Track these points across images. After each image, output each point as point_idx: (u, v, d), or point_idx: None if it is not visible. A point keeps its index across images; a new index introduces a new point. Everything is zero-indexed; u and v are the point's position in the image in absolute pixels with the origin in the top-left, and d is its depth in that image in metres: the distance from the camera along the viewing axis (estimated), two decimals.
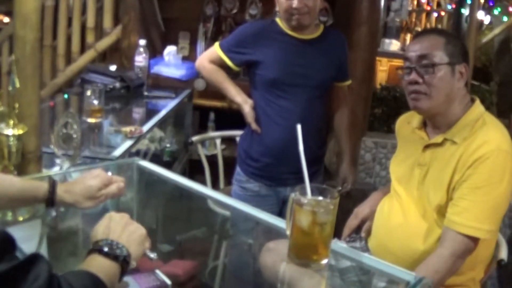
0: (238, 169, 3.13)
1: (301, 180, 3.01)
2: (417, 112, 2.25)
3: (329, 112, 3.19)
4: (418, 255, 2.11)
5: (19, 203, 1.74)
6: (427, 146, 2.21)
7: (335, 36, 3.07)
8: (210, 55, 3.05)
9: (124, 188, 1.82)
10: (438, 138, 2.16)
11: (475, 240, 2.02)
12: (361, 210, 2.46)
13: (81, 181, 1.77)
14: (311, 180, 3.02)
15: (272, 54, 2.89)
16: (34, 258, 1.10)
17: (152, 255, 1.52)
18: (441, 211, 2.09)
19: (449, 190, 2.07)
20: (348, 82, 3.18)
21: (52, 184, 1.69)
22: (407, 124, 2.38)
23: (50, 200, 1.68)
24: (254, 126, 2.95)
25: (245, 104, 2.96)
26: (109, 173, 1.85)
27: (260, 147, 2.98)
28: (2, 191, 1.62)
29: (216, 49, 3.02)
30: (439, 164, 2.13)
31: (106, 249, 1.34)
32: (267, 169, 2.99)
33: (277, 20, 2.98)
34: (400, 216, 2.22)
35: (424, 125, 2.30)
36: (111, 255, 1.34)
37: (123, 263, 1.35)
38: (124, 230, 1.43)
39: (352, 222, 2.44)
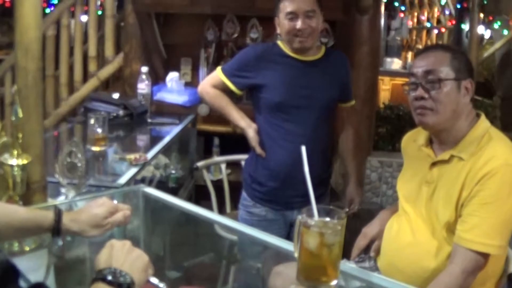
0: (244, 194, 3.09)
1: (308, 203, 3.00)
2: (423, 128, 2.24)
3: (334, 133, 3.18)
4: (429, 273, 2.08)
5: (24, 233, 1.73)
6: (434, 164, 2.19)
7: (337, 57, 3.06)
8: (213, 80, 3.04)
9: (130, 216, 1.81)
10: (445, 155, 2.15)
11: (485, 256, 2.00)
12: (369, 230, 2.44)
13: (87, 209, 1.76)
14: (317, 203, 3.03)
15: (275, 77, 2.88)
16: (39, 287, 1.09)
17: (161, 285, 1.50)
18: (450, 228, 2.07)
19: (457, 207, 2.05)
20: (352, 103, 3.16)
21: (58, 213, 1.69)
22: (413, 142, 2.37)
23: (56, 229, 1.67)
24: (258, 150, 2.93)
25: (249, 129, 2.95)
26: (115, 201, 1.84)
27: (266, 171, 2.96)
28: (7, 221, 1.62)
29: (218, 74, 3.00)
30: (447, 181, 2.12)
31: (109, 277, 1.33)
32: (273, 193, 2.96)
33: (279, 43, 2.97)
34: (409, 235, 2.20)
35: (430, 142, 2.28)
36: (115, 283, 1.32)
37: None
38: (126, 257, 1.41)
39: (361, 242, 2.42)
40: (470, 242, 1.98)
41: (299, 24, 2.78)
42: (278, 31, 2.92)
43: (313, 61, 2.93)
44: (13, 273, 1.06)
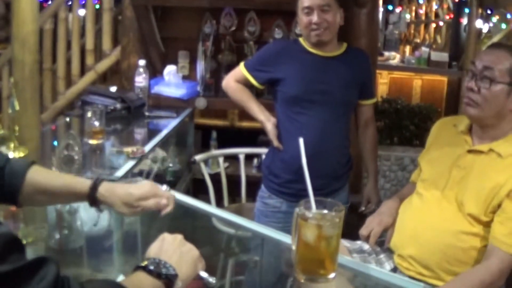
0: (262, 186, 3.15)
1: (324, 197, 3.04)
2: (466, 117, 2.27)
3: (355, 130, 3.22)
4: (451, 249, 2.13)
5: (62, 198, 1.75)
6: (470, 151, 2.22)
7: (358, 54, 3.10)
8: (235, 75, 3.12)
9: (168, 206, 1.80)
10: (484, 147, 2.18)
11: None
12: (384, 219, 2.42)
13: (125, 186, 1.76)
14: (333, 197, 3.07)
15: (293, 71, 2.93)
16: (42, 260, 1.09)
17: (211, 279, 1.50)
18: (473, 216, 2.10)
19: (489, 203, 2.08)
20: (373, 100, 3.19)
21: (95, 182, 1.69)
22: (452, 126, 2.39)
23: (92, 198, 1.68)
24: (276, 143, 2.98)
25: (268, 122, 3.00)
26: (164, 187, 1.84)
27: (281, 164, 3.00)
28: (47, 184, 1.63)
29: (241, 69, 3.08)
30: (481, 173, 2.14)
31: (151, 267, 1.34)
32: (287, 185, 2.99)
33: (300, 39, 3.02)
34: (435, 210, 2.22)
35: (469, 130, 2.30)
36: (155, 273, 1.34)
37: (167, 281, 1.34)
38: (176, 250, 1.43)
39: (377, 229, 2.40)
40: (509, 247, 2.00)
41: (314, 18, 2.83)
42: (299, 28, 3.00)
43: (333, 57, 2.97)
44: (18, 245, 1.05)
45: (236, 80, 3.10)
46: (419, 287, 1.64)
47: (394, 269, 2.29)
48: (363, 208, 3.09)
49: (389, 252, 2.38)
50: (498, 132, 2.18)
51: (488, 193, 2.07)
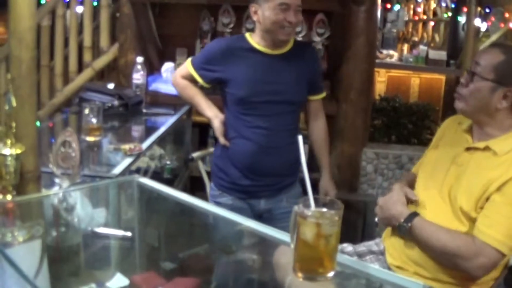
0: (212, 184, 3.13)
1: (274, 193, 3.04)
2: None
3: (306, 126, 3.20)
4: None
5: None
6: (468, 149, 2.23)
7: (305, 49, 3.05)
8: (183, 72, 3.07)
9: None
10: (481, 144, 2.18)
11: (501, 256, 2.02)
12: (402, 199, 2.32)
13: None
14: (286, 192, 3.05)
15: (241, 72, 2.87)
16: None
17: None
18: (464, 212, 2.10)
19: (480, 198, 2.08)
20: (323, 95, 3.15)
21: None
22: (457, 124, 2.39)
23: None
24: (222, 140, 2.95)
25: (215, 119, 2.96)
26: None
27: (230, 161, 2.98)
28: None
29: (187, 66, 3.03)
30: (475, 169, 2.14)
31: None
32: (237, 182, 2.98)
33: (247, 35, 2.96)
34: (429, 206, 2.23)
35: (471, 128, 2.30)
36: None
37: None
38: None
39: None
40: (491, 238, 2.00)
41: (291, 16, 2.76)
42: (255, 19, 2.87)
43: (281, 55, 2.92)
44: None
45: (183, 77, 3.05)
46: (418, 286, 1.63)
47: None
48: None
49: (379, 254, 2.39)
50: (495, 130, 2.18)
51: (480, 189, 2.07)
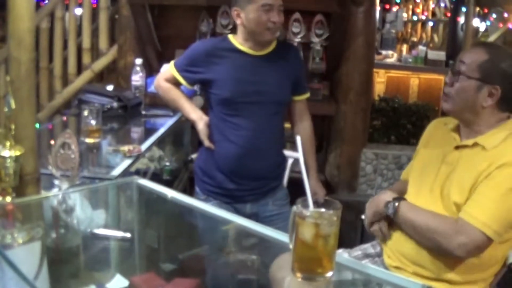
0: (196, 189, 3.10)
1: (260, 197, 3.00)
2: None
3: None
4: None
5: None
6: (457, 147, 2.23)
7: (289, 50, 3.05)
8: (166, 75, 3.04)
9: None
10: (470, 141, 2.19)
11: (484, 240, 2.01)
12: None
13: None
14: (272, 195, 3.03)
15: (224, 73, 2.86)
16: None
17: None
18: (456, 204, 2.11)
19: (470, 189, 2.08)
20: (307, 95, 3.13)
21: None
22: (443, 125, 2.40)
23: None
24: (207, 143, 2.93)
25: (200, 121, 2.94)
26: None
27: (214, 164, 2.95)
28: None
29: (170, 68, 3.01)
30: (466, 165, 2.15)
31: None
32: (222, 186, 2.96)
33: (230, 37, 2.95)
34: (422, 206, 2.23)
35: (458, 128, 2.31)
36: None
37: None
38: None
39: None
40: (473, 218, 2.01)
41: (275, 16, 2.77)
42: (239, 22, 2.86)
43: (264, 56, 2.92)
44: None
45: (166, 79, 3.03)
46: (417, 285, 1.63)
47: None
48: None
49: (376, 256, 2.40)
50: (481, 127, 2.18)
51: (472, 181, 2.08)
